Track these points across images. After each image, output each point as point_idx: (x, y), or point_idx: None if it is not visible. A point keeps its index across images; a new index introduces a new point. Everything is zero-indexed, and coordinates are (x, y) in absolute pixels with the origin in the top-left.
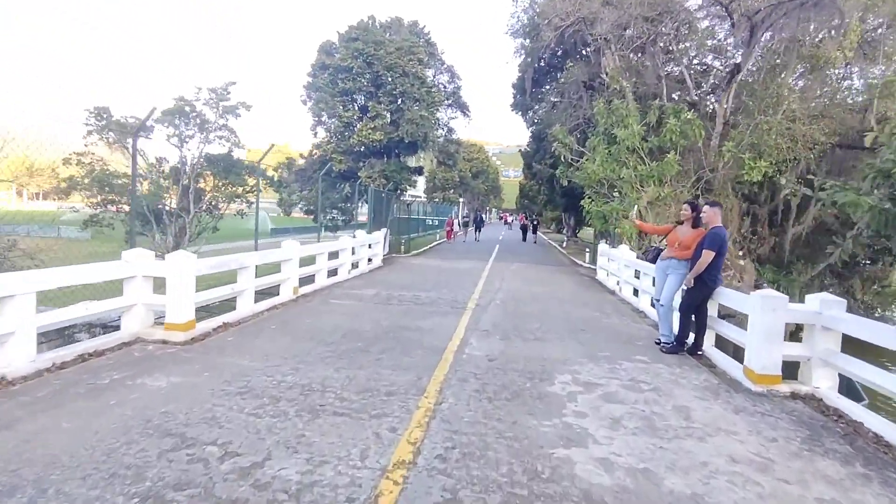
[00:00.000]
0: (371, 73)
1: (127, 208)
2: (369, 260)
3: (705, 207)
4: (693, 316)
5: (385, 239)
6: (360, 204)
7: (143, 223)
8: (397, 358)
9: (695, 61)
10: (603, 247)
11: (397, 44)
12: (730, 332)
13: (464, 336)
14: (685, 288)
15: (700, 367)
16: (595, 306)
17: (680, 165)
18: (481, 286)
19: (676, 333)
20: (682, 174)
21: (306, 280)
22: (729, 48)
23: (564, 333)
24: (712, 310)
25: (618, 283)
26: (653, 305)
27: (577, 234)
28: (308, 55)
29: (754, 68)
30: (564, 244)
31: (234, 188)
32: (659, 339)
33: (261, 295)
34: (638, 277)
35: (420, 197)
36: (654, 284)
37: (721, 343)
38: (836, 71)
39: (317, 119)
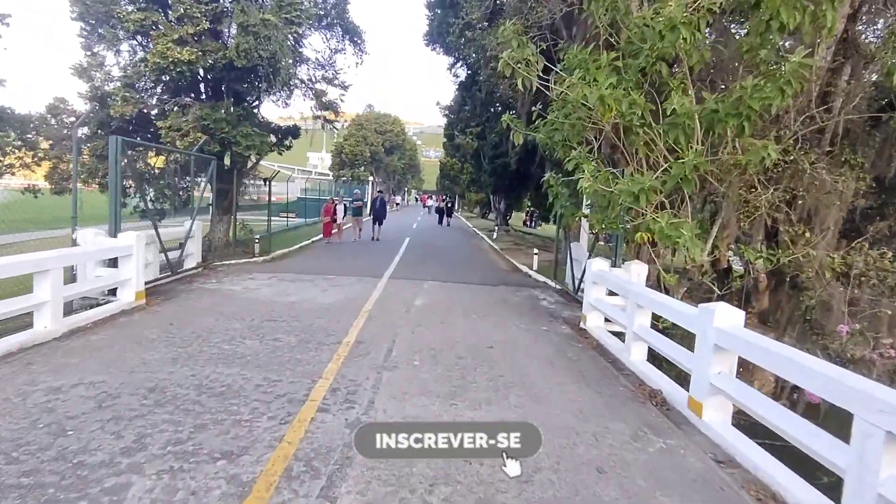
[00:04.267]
0: None
1: None
2: (111, 293)
3: None
4: None
5: (189, 239)
6: (203, 179)
7: None
8: None
9: None
10: (599, 266)
11: None
12: None
13: None
14: None
15: None
16: None
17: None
18: (312, 414)
19: None
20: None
21: None
22: None
23: None
24: None
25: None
26: None
27: (508, 221)
28: None
29: None
30: (495, 235)
31: None
32: None
33: None
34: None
35: (327, 176)
36: None
37: None
38: None
39: (89, 29)
